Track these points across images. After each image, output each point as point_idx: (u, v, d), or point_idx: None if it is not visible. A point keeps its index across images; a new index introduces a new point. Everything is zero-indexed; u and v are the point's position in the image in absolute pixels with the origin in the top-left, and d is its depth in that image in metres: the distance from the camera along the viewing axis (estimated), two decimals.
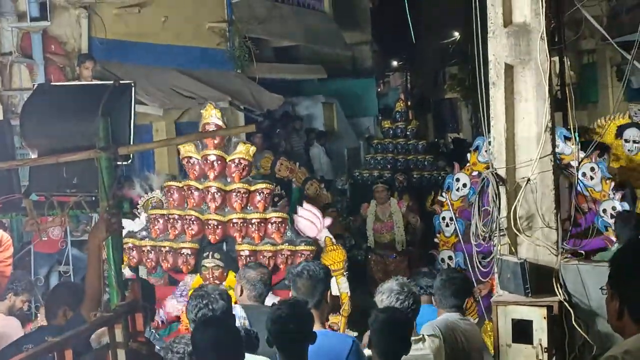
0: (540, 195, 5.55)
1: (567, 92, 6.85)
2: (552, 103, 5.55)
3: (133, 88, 4.38)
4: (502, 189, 5.59)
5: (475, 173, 9.23)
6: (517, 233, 5.54)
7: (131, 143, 4.38)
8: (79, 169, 4.26)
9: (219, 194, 6.87)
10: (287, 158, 11.60)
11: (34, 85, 4.93)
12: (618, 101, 15.22)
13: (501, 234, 5.58)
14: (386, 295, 5.14)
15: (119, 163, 4.31)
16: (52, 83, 5.03)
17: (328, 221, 7.28)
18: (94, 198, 4.30)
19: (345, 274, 6.93)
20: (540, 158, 5.53)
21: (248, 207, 6.97)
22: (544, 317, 5.25)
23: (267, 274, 5.95)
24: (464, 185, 9.43)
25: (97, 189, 4.20)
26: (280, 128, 16.44)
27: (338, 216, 11.18)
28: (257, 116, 14.33)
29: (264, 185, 7.00)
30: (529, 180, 5.54)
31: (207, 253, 6.85)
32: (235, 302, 5.73)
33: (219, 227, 6.86)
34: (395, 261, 11.22)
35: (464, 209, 9.17)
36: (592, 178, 8.30)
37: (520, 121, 5.68)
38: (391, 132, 14.43)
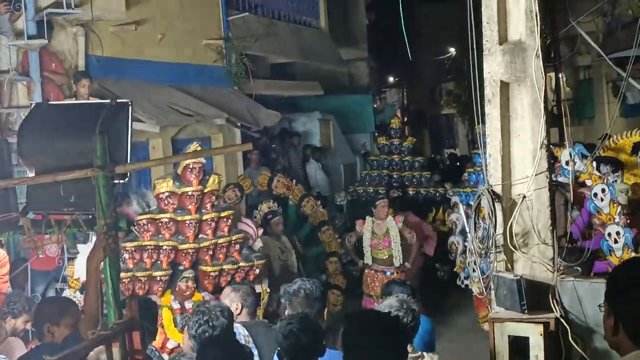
0: (536, 212, 5.57)
1: (562, 108, 6.87)
2: (547, 120, 5.57)
3: (130, 107, 4.39)
4: (498, 206, 5.61)
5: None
6: (513, 250, 5.56)
7: (128, 161, 4.38)
8: (76, 188, 4.26)
9: (197, 224, 7.30)
10: (284, 175, 11.65)
11: (31, 103, 4.94)
12: (614, 117, 15.31)
13: (497, 250, 5.59)
14: (385, 311, 5.14)
15: (116, 181, 4.31)
16: (49, 102, 5.04)
17: (261, 231, 8.35)
18: (91, 216, 4.31)
19: None
20: (536, 175, 5.55)
21: (217, 232, 7.48)
22: (541, 334, 5.26)
23: (251, 286, 6.42)
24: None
25: (95, 207, 4.20)
26: (278, 144, 16.47)
27: (334, 233, 11.22)
28: (253, 133, 14.34)
29: (229, 212, 7.60)
30: (524, 197, 5.56)
31: (185, 273, 7.25)
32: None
33: (195, 253, 7.30)
34: (392, 277, 11.22)
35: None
36: (602, 200, 8.23)
37: (515, 138, 5.71)
38: (386, 148, 14.48)
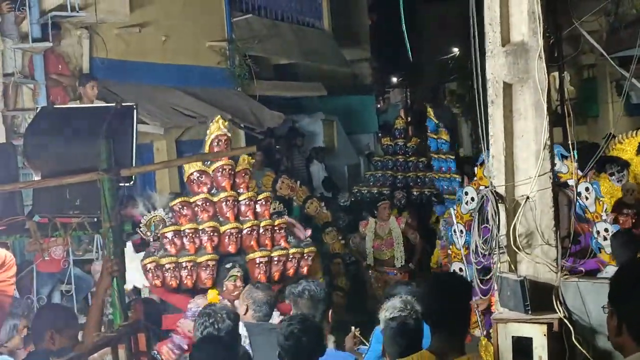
0: (539, 212, 5.57)
1: (565, 108, 6.88)
2: (551, 121, 5.58)
3: (135, 110, 4.42)
4: (501, 207, 5.61)
5: (482, 187, 9.33)
6: (517, 250, 5.56)
7: (133, 165, 4.42)
8: (81, 191, 4.31)
9: (235, 203, 6.94)
10: (288, 176, 11.66)
11: (36, 107, 4.97)
12: (618, 116, 15.28)
13: (500, 251, 5.60)
14: (389, 312, 5.17)
15: (121, 184, 4.35)
16: (55, 105, 5.07)
17: (309, 232, 7.69)
18: (96, 219, 4.35)
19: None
20: (539, 176, 5.55)
21: (258, 217, 7.09)
22: (544, 335, 5.26)
23: (273, 296, 6.03)
24: (472, 199, 9.45)
25: (100, 210, 4.24)
26: (282, 145, 16.48)
27: (337, 234, 11.23)
28: (257, 134, 14.37)
29: (266, 195, 7.25)
30: (528, 198, 5.56)
31: (231, 263, 6.85)
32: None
33: (238, 235, 6.89)
34: (396, 278, 11.24)
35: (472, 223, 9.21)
36: (587, 198, 8.26)
37: (519, 139, 5.71)
38: (390, 149, 14.48)
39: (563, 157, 8.35)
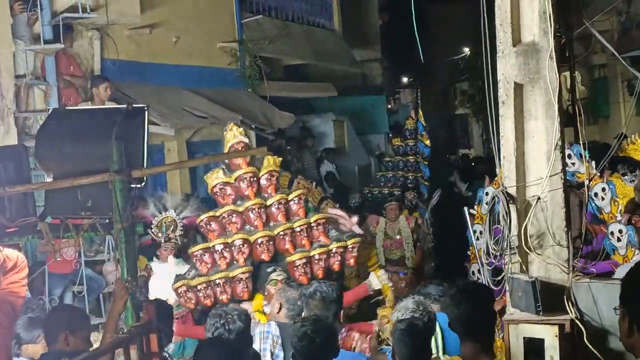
0: (550, 213, 5.56)
1: (577, 108, 6.85)
2: (562, 121, 5.57)
3: (146, 112, 4.44)
4: (512, 208, 5.60)
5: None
6: (528, 251, 5.55)
7: (145, 166, 4.43)
8: (93, 192, 4.33)
9: (262, 210, 6.76)
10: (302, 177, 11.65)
11: (48, 108, 4.99)
12: (629, 116, 15.24)
13: (512, 252, 5.59)
14: (401, 313, 5.15)
15: (132, 186, 4.36)
16: (66, 107, 5.09)
17: (355, 219, 7.37)
18: (108, 220, 4.36)
19: (381, 266, 6.86)
20: (550, 176, 5.54)
21: (292, 217, 6.90)
22: (556, 336, 5.25)
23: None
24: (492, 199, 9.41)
25: (112, 211, 4.26)
26: (295, 145, 16.46)
27: None
28: (268, 135, 14.39)
29: (299, 192, 6.97)
30: (539, 198, 5.56)
31: (272, 267, 6.75)
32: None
33: (270, 242, 6.75)
34: (406, 277, 11.22)
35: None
36: (602, 199, 8.21)
37: (530, 139, 5.70)
38: (401, 149, 14.45)
39: (582, 157, 8.29)
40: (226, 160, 6.81)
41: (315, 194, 11.09)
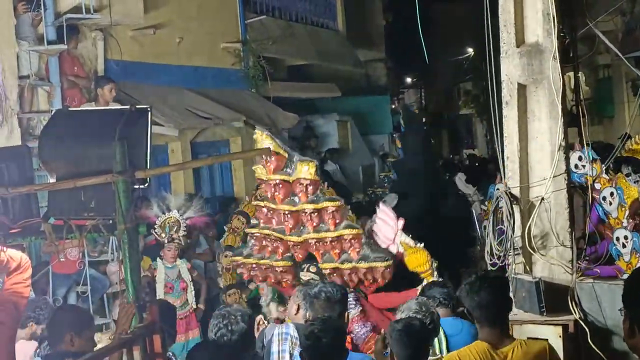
0: (554, 214, 5.57)
1: (580, 109, 6.84)
2: (565, 121, 5.57)
3: (149, 112, 4.44)
4: (516, 208, 5.61)
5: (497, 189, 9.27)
6: (532, 252, 5.56)
7: (148, 166, 4.43)
8: (96, 193, 4.33)
9: (289, 215, 6.67)
10: None
11: (51, 109, 4.99)
12: (633, 117, 15.18)
13: (516, 253, 5.59)
14: (405, 314, 5.15)
15: (135, 187, 4.36)
16: (69, 108, 5.10)
17: (401, 223, 6.90)
18: (111, 221, 4.36)
19: (434, 274, 6.62)
20: (554, 177, 5.55)
21: (321, 225, 6.70)
22: (560, 336, 5.26)
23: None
24: None
25: (115, 212, 4.26)
26: (298, 145, 16.45)
27: None
28: None
29: (330, 204, 6.63)
30: (543, 199, 5.56)
31: (304, 266, 6.77)
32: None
33: (298, 246, 6.71)
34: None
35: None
36: (610, 203, 8.10)
37: (533, 140, 5.71)
38: (386, 180, 14.34)
39: (593, 160, 8.19)
40: (260, 167, 6.68)
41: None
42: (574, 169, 8.51)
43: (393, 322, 4.78)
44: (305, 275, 6.71)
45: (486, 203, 9.14)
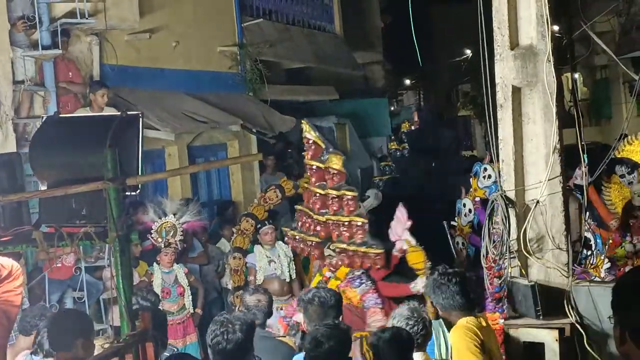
0: (549, 216, 5.55)
1: (576, 110, 6.82)
2: (560, 124, 5.55)
3: (141, 118, 4.41)
4: (511, 211, 5.58)
5: (477, 199, 9.25)
6: (528, 255, 5.54)
7: (140, 173, 4.40)
8: (87, 200, 4.30)
9: (318, 197, 7.68)
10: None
11: (42, 116, 4.95)
12: (628, 117, 15.19)
13: (511, 256, 5.57)
14: (397, 320, 5.14)
15: (127, 193, 4.33)
16: (60, 114, 5.05)
17: (409, 223, 7.61)
18: (103, 229, 4.33)
19: (427, 273, 7.10)
20: (549, 179, 5.53)
21: (340, 210, 7.60)
22: (556, 339, 5.23)
23: (267, 300, 6.13)
24: (470, 210, 9.40)
25: (106, 219, 4.23)
26: (294, 149, 16.42)
27: None
28: (269, 139, 14.35)
29: (348, 193, 7.57)
30: (538, 202, 5.54)
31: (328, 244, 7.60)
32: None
33: (321, 225, 7.66)
34: None
35: (472, 234, 9.12)
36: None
37: (528, 143, 5.69)
38: (398, 153, 14.29)
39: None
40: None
41: None
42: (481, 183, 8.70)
43: (379, 332, 4.77)
44: (326, 252, 7.58)
45: (456, 218, 9.25)
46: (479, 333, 4.72)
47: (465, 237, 9.15)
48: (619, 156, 8.10)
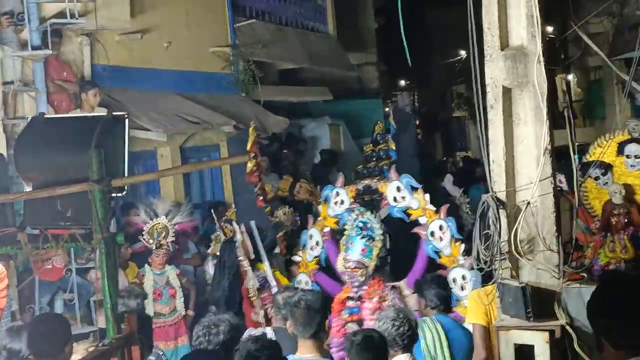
0: (541, 218, 5.51)
1: (566, 111, 6.79)
2: (552, 125, 5.52)
3: (127, 120, 4.37)
4: (502, 213, 5.55)
5: (327, 229, 8.61)
6: (518, 257, 5.50)
7: (126, 174, 4.37)
8: (73, 202, 4.28)
9: None
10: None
11: (27, 117, 4.91)
12: (617, 119, 15.17)
13: (502, 257, 5.53)
14: (382, 322, 5.11)
15: (113, 195, 4.30)
16: (45, 115, 5.01)
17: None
18: (89, 231, 4.30)
19: None
20: (540, 181, 5.49)
21: None
22: (546, 342, 5.20)
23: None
24: (317, 243, 8.59)
25: (92, 221, 4.20)
26: (288, 150, 16.37)
27: None
28: (262, 139, 14.30)
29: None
30: (529, 203, 5.50)
31: None
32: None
33: None
34: None
35: (317, 271, 8.51)
36: (441, 239, 7.73)
37: (519, 144, 5.66)
38: (374, 155, 14.09)
39: (413, 189, 8.01)
40: None
41: (317, 196, 10.95)
42: (392, 202, 8.26)
43: (350, 336, 4.75)
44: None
45: (300, 253, 8.76)
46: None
47: (311, 274, 8.49)
48: (590, 159, 7.95)
